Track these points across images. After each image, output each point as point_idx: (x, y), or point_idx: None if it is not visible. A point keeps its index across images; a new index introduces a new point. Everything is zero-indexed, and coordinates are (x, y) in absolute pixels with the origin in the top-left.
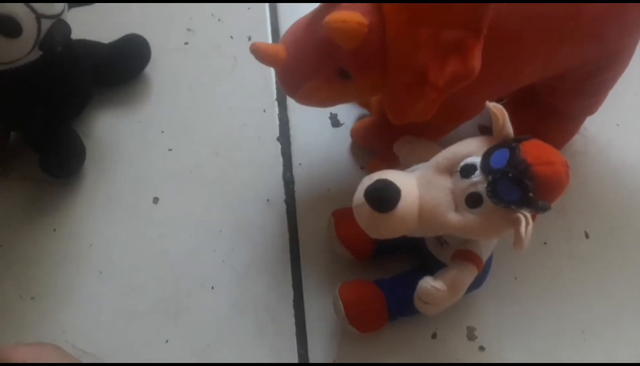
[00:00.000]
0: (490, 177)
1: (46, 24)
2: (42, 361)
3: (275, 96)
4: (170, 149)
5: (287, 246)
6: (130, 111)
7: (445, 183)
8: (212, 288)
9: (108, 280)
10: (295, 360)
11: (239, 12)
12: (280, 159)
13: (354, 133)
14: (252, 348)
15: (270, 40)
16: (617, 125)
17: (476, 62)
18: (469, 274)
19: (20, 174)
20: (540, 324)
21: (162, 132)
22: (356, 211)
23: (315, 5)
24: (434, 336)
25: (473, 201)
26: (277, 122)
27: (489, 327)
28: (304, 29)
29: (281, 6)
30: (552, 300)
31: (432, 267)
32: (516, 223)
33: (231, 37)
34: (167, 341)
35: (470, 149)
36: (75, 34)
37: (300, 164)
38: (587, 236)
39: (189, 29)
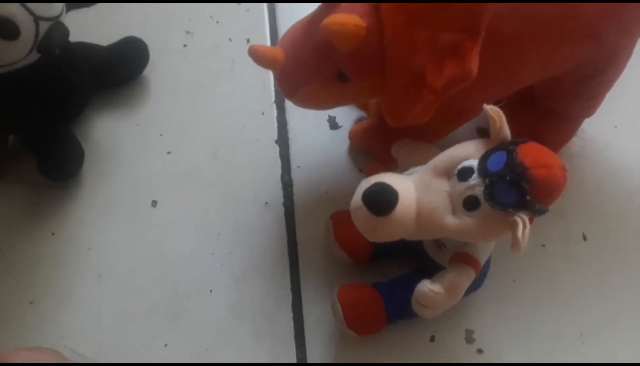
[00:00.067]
0: (487, 181)
1: (44, 26)
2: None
3: (273, 99)
4: (168, 152)
5: (285, 249)
6: (129, 114)
7: (442, 186)
8: (211, 291)
9: (107, 283)
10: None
11: (237, 14)
12: (279, 161)
13: (352, 136)
14: (251, 352)
15: (268, 43)
16: (615, 127)
17: (474, 65)
18: (467, 278)
19: (19, 178)
20: (538, 326)
21: (161, 135)
22: (354, 214)
23: (314, 6)
24: (432, 339)
25: (470, 204)
26: (275, 124)
27: (488, 330)
28: (302, 31)
29: (280, 8)
30: (551, 302)
31: (431, 270)
32: (513, 226)
33: (230, 39)
34: (165, 345)
35: (467, 152)
36: (74, 37)
37: (298, 166)
38: (585, 238)
39: (187, 32)
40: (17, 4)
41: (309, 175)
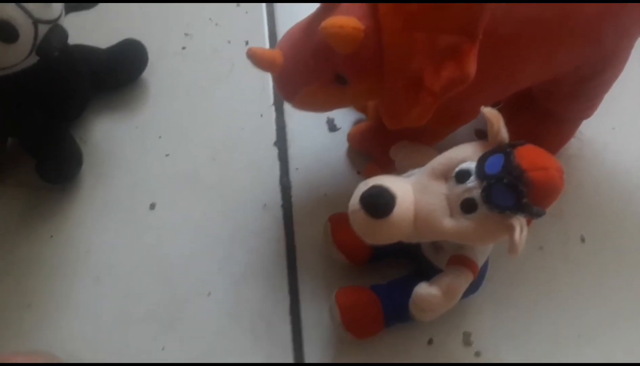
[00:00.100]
0: (485, 183)
1: (43, 29)
2: None
3: (272, 101)
4: (167, 155)
5: (283, 252)
6: (128, 116)
7: (440, 189)
8: (209, 294)
9: (105, 286)
10: None
11: (236, 16)
12: (277, 163)
13: (351, 138)
14: (248, 355)
15: (267, 45)
16: (613, 128)
17: (472, 67)
18: (465, 280)
19: (17, 180)
20: (536, 329)
21: (160, 137)
22: (352, 217)
23: (313, 7)
24: (430, 341)
25: (468, 206)
26: (274, 127)
27: (485, 332)
28: (300, 34)
29: (279, 11)
30: (548, 305)
31: (429, 273)
32: (510, 229)
33: (229, 41)
34: (163, 348)
35: (465, 155)
36: (73, 39)
37: (297, 168)
38: (583, 240)
39: (186, 34)
40: (16, 7)
41: (308, 177)
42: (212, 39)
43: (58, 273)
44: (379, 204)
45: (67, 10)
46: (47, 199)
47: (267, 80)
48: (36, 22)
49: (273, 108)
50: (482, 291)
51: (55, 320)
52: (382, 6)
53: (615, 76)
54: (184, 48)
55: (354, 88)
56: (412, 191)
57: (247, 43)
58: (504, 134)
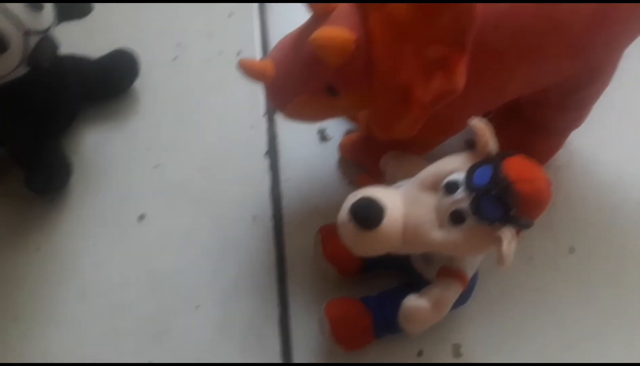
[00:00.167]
0: (473, 195)
1: (33, 40)
2: None
3: (263, 111)
4: (156, 166)
5: (273, 264)
6: (118, 127)
7: (429, 200)
8: (197, 307)
9: (92, 299)
10: None
11: (228, 27)
12: (268, 174)
13: (342, 148)
14: None
15: (259, 56)
16: (602, 139)
17: (461, 79)
18: (454, 292)
19: (5, 191)
20: (526, 339)
21: (149, 148)
22: (341, 229)
23: (306, 17)
24: (419, 353)
25: (457, 217)
26: (265, 137)
27: (475, 343)
28: (291, 44)
29: (271, 21)
30: (538, 315)
31: (418, 284)
32: (498, 241)
33: (220, 52)
34: (150, 362)
35: (454, 166)
36: (64, 49)
37: (288, 179)
38: (572, 250)
39: (178, 44)
40: (5, 17)
41: (299, 188)
42: (204, 49)
43: (45, 285)
44: (368, 215)
45: (59, 20)
46: (35, 210)
47: (258, 91)
48: (26, 32)
49: (264, 119)
50: (472, 302)
51: (41, 332)
52: (372, 18)
53: (603, 87)
54: (175, 58)
55: (344, 99)
56: (402, 202)
57: (239, 54)
58: (492, 145)
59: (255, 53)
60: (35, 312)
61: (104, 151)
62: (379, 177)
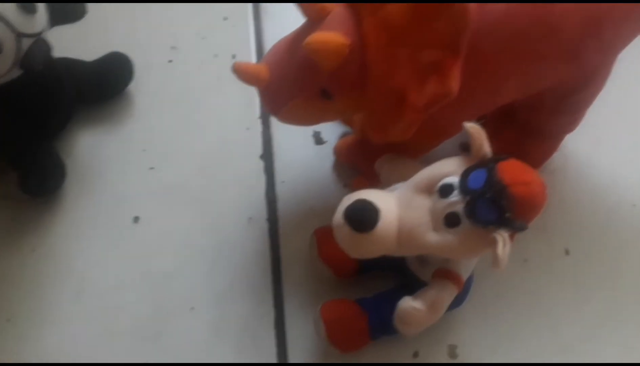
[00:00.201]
0: (467, 198)
1: (26, 43)
2: None
3: (258, 114)
4: (151, 168)
5: (269, 265)
6: (113, 129)
7: (424, 203)
8: (192, 309)
9: (87, 301)
10: None
11: (223, 30)
12: (263, 177)
13: (337, 151)
14: None
15: (254, 59)
16: (597, 142)
17: (455, 83)
18: (449, 294)
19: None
20: (521, 341)
21: (144, 150)
22: (336, 231)
23: (300, 19)
24: (415, 354)
25: (451, 221)
26: (260, 140)
27: (470, 345)
28: (286, 48)
29: (266, 24)
30: (533, 317)
31: (414, 286)
32: (493, 244)
33: (215, 55)
34: (145, 362)
35: (449, 169)
36: (58, 52)
37: (283, 181)
38: (567, 253)
39: (173, 47)
40: None
41: (294, 190)
42: (199, 52)
43: (39, 286)
44: (363, 218)
45: (52, 24)
46: (29, 212)
47: (253, 93)
48: (19, 36)
49: (259, 121)
50: (467, 304)
51: (36, 334)
52: (366, 22)
53: (597, 91)
54: (170, 61)
55: (338, 102)
56: (396, 205)
57: (234, 57)
58: (486, 148)
59: (250, 56)
60: (30, 313)
61: (98, 153)
62: (374, 180)
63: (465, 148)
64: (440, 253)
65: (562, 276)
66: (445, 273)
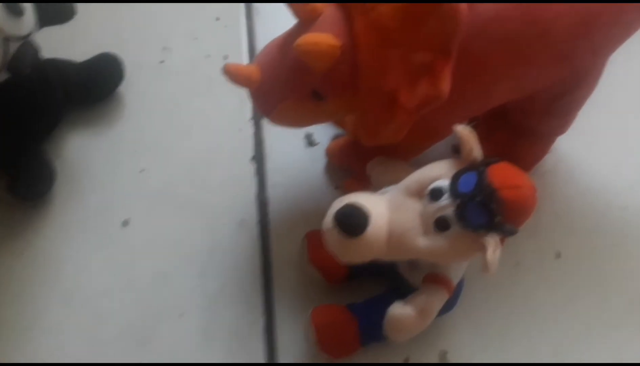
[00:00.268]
0: (458, 201)
1: (13, 46)
2: None
3: (250, 115)
4: (142, 170)
5: (259, 270)
6: (103, 131)
7: (414, 207)
8: (181, 315)
9: (75, 306)
10: None
11: (215, 30)
12: (255, 179)
13: (330, 153)
14: None
15: (247, 60)
16: (588, 145)
17: (446, 85)
18: (439, 299)
19: None
20: (512, 345)
21: (134, 152)
22: (326, 236)
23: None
24: (406, 360)
25: (441, 224)
26: (252, 141)
27: (461, 350)
28: (277, 49)
29: (258, 25)
30: (525, 321)
31: (405, 291)
32: (483, 248)
33: (207, 56)
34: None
35: (439, 172)
36: (47, 52)
37: (274, 184)
38: (558, 256)
39: (164, 48)
40: None
41: (285, 193)
42: (191, 53)
43: (27, 291)
44: (352, 222)
45: (40, 25)
46: (18, 215)
47: (245, 95)
48: (6, 38)
49: (251, 123)
50: (458, 308)
51: (23, 340)
52: (357, 23)
53: (588, 93)
54: (162, 62)
55: (330, 104)
56: (387, 208)
57: (226, 57)
58: (477, 152)
59: (242, 57)
60: (17, 318)
61: (88, 156)
62: (366, 182)
63: (457, 150)
64: (430, 257)
65: (553, 279)
66: (435, 278)
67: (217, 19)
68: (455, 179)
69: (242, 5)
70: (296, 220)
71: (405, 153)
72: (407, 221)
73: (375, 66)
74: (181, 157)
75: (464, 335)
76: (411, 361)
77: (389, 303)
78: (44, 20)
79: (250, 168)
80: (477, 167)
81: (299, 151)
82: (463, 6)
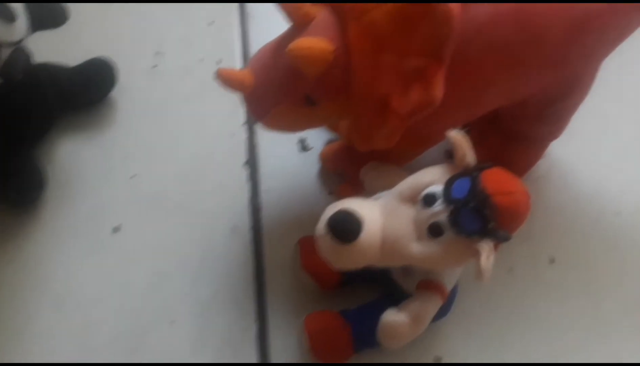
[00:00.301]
0: (451, 207)
1: (5, 52)
2: None
3: (243, 120)
4: (133, 176)
5: (252, 276)
6: (95, 136)
7: (408, 212)
8: (173, 322)
9: (65, 313)
10: None
11: (209, 35)
12: (248, 184)
13: (323, 158)
14: None
15: (240, 64)
16: (581, 150)
17: (438, 90)
18: (433, 306)
19: None
20: (507, 350)
21: (126, 158)
22: (319, 242)
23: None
24: None
25: (435, 230)
26: (245, 146)
27: (456, 355)
28: (270, 54)
29: (251, 29)
30: (519, 326)
31: (398, 296)
32: (477, 255)
33: (201, 60)
34: None
35: (432, 178)
36: (40, 57)
37: (268, 189)
38: (552, 261)
39: (157, 52)
40: None
41: (279, 198)
42: (184, 57)
43: (18, 296)
44: (345, 229)
45: (33, 30)
46: (8, 221)
47: (239, 99)
48: None
49: (244, 128)
50: (453, 313)
51: (12, 347)
52: (351, 28)
53: (581, 99)
54: (155, 66)
55: (323, 109)
56: (380, 214)
57: (219, 62)
58: (470, 157)
59: (235, 61)
60: (7, 325)
61: (79, 161)
62: (359, 187)
63: (450, 156)
64: (424, 263)
65: (547, 284)
66: (429, 284)
67: (211, 23)
68: (448, 184)
69: (235, 9)
70: (289, 226)
71: (398, 158)
72: (401, 227)
73: (368, 70)
74: (173, 163)
75: (458, 341)
76: None
77: (382, 309)
78: (37, 25)
79: (243, 173)
80: (471, 173)
81: (293, 156)
82: (456, 9)
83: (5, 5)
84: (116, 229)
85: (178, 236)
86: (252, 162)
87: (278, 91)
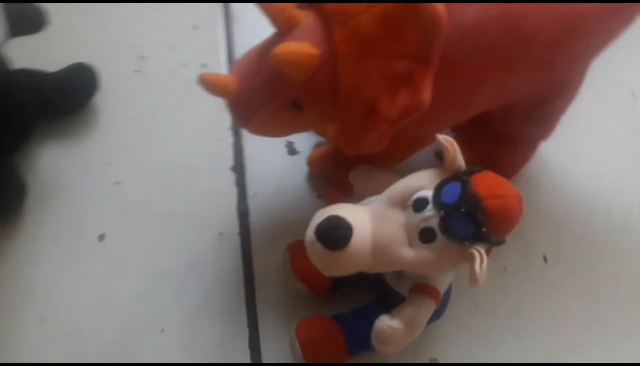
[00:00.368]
0: (442, 212)
1: None
2: None
3: (229, 124)
4: (117, 182)
5: (241, 282)
6: (77, 143)
7: (398, 218)
8: (162, 330)
9: (50, 325)
10: None
11: (193, 38)
12: (235, 189)
13: (311, 161)
14: None
15: (225, 68)
16: (571, 149)
17: (426, 94)
18: (427, 310)
19: None
20: (502, 351)
21: (110, 164)
22: (308, 249)
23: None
24: None
25: (426, 236)
26: (231, 151)
27: (451, 357)
28: (255, 59)
29: (236, 33)
30: (514, 326)
31: (392, 299)
32: (470, 260)
33: (185, 64)
34: None
35: (422, 182)
36: (19, 62)
37: (255, 194)
38: (545, 260)
39: (140, 56)
40: None
41: (267, 203)
42: (168, 61)
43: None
44: (335, 236)
45: (12, 35)
46: None
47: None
48: None
49: (230, 132)
50: (447, 315)
51: None
52: (336, 32)
53: (569, 101)
54: (137, 71)
55: (309, 113)
56: (370, 220)
57: (204, 66)
58: (460, 161)
59: (220, 65)
60: None
61: (61, 168)
62: (348, 191)
63: (441, 157)
64: (415, 269)
65: (541, 283)
66: (422, 288)
67: (195, 27)
68: (438, 189)
69: (220, 13)
70: (278, 230)
71: (386, 161)
72: (391, 232)
73: (355, 75)
74: (158, 169)
75: (453, 342)
76: None
77: (375, 312)
78: (15, 31)
79: (230, 178)
80: (461, 177)
81: (280, 160)
82: (442, 9)
83: None
84: (101, 238)
85: (165, 243)
86: (238, 167)
87: (263, 95)
